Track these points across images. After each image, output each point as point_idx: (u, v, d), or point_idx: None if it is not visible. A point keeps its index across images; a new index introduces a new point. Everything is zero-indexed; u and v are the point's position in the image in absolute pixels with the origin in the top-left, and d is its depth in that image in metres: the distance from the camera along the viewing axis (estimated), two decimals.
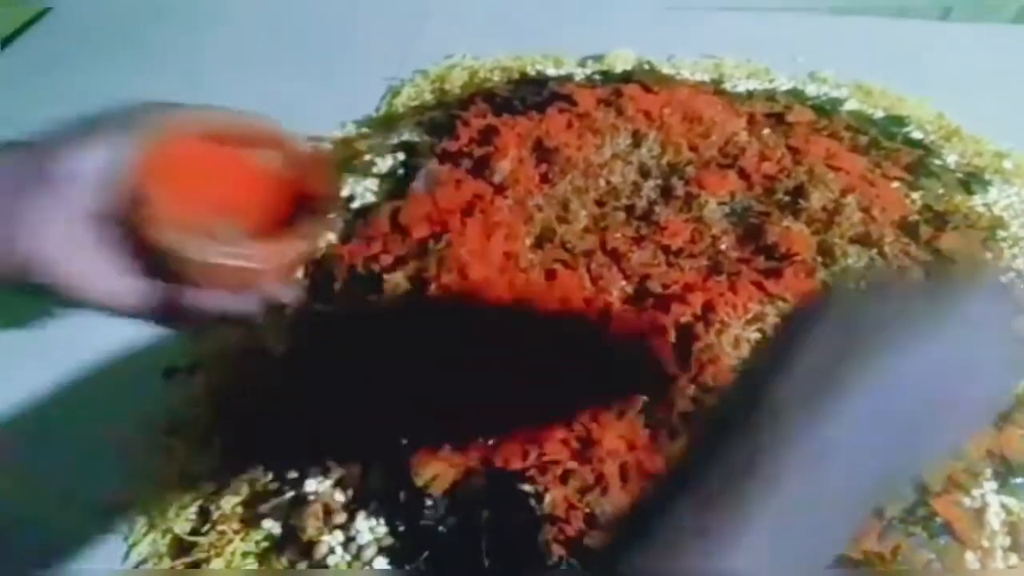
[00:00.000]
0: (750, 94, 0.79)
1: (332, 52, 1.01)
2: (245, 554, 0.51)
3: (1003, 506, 0.51)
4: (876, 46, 0.93)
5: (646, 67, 0.85)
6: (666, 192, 0.69)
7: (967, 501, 0.51)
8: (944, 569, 0.48)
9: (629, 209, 0.68)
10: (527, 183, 0.69)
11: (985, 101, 0.84)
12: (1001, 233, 0.65)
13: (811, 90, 0.81)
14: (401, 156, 0.75)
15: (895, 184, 0.69)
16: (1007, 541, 0.50)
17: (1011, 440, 0.52)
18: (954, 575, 0.48)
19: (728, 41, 0.93)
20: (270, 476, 0.55)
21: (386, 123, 0.88)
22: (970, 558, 0.49)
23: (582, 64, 0.91)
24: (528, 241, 0.65)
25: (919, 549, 0.49)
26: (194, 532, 0.53)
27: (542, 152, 0.71)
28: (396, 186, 0.71)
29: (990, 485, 0.51)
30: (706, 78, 0.84)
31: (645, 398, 0.54)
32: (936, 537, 0.49)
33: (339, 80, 0.95)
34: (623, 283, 0.62)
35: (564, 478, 0.50)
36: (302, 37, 1.05)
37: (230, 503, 0.54)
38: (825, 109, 0.77)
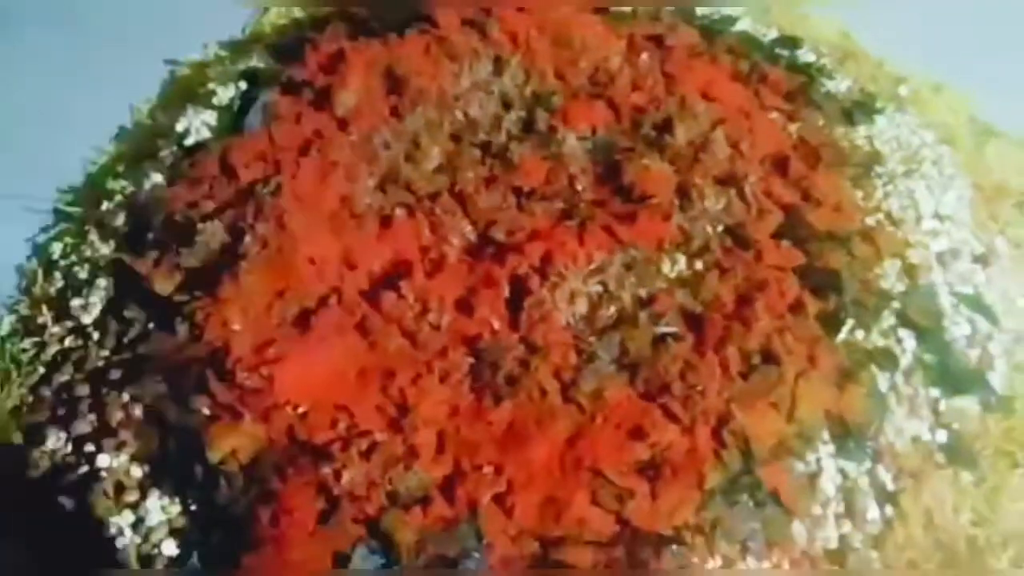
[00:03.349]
0: (634, 13, 0.72)
1: None
2: None
3: (839, 470, 0.48)
4: None
5: None
6: (528, 126, 0.63)
7: (800, 467, 0.48)
8: (768, 538, 0.46)
9: (485, 146, 0.62)
10: (374, 117, 0.63)
11: (901, 19, 0.78)
12: (877, 169, 0.60)
13: (702, 9, 0.74)
14: (243, 85, 0.68)
15: (773, 115, 0.63)
16: (841, 507, 0.48)
17: (852, 400, 0.49)
18: None
19: None
20: (70, 448, 0.51)
21: (248, 45, 0.80)
22: (798, 528, 0.46)
23: None
24: (370, 183, 0.60)
25: (744, 520, 0.46)
26: None
27: (393, 81, 0.64)
28: (232, 121, 0.65)
29: (826, 449, 0.48)
30: None
31: (471, 360, 0.50)
32: (763, 507, 0.46)
33: None
34: (468, 229, 0.57)
35: (369, 452, 0.46)
36: None
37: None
38: (712, 30, 0.70)
